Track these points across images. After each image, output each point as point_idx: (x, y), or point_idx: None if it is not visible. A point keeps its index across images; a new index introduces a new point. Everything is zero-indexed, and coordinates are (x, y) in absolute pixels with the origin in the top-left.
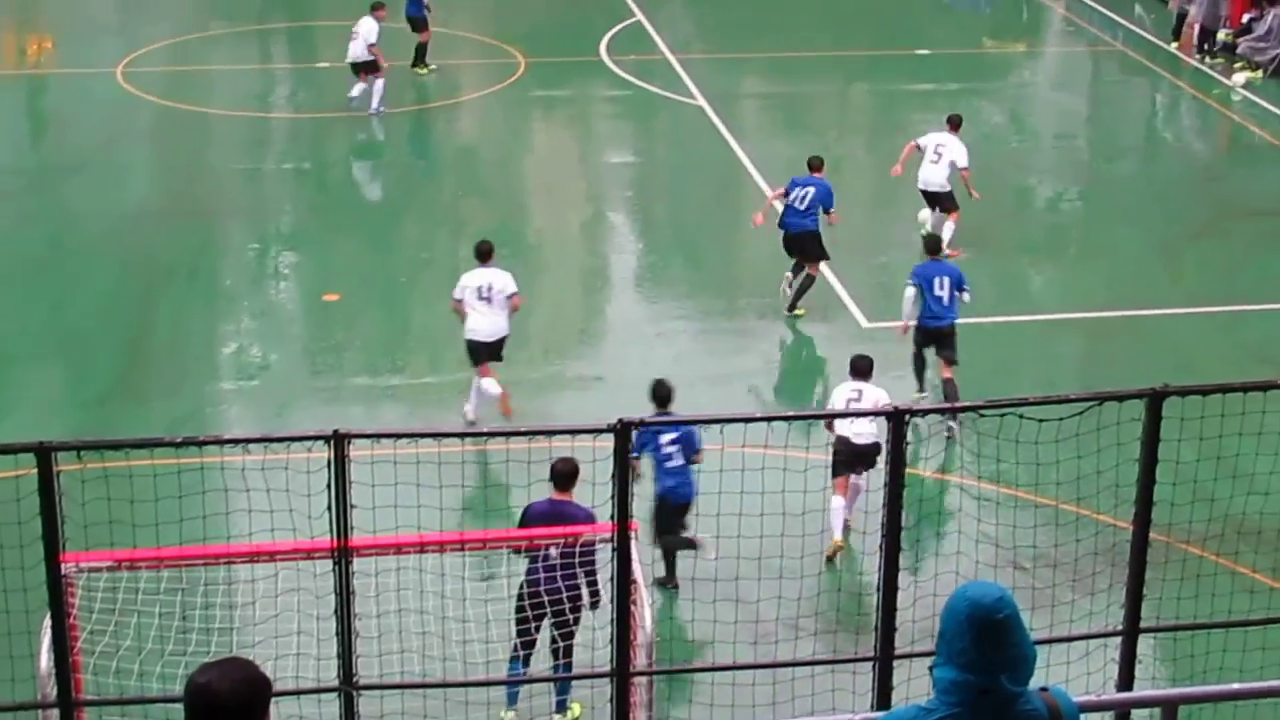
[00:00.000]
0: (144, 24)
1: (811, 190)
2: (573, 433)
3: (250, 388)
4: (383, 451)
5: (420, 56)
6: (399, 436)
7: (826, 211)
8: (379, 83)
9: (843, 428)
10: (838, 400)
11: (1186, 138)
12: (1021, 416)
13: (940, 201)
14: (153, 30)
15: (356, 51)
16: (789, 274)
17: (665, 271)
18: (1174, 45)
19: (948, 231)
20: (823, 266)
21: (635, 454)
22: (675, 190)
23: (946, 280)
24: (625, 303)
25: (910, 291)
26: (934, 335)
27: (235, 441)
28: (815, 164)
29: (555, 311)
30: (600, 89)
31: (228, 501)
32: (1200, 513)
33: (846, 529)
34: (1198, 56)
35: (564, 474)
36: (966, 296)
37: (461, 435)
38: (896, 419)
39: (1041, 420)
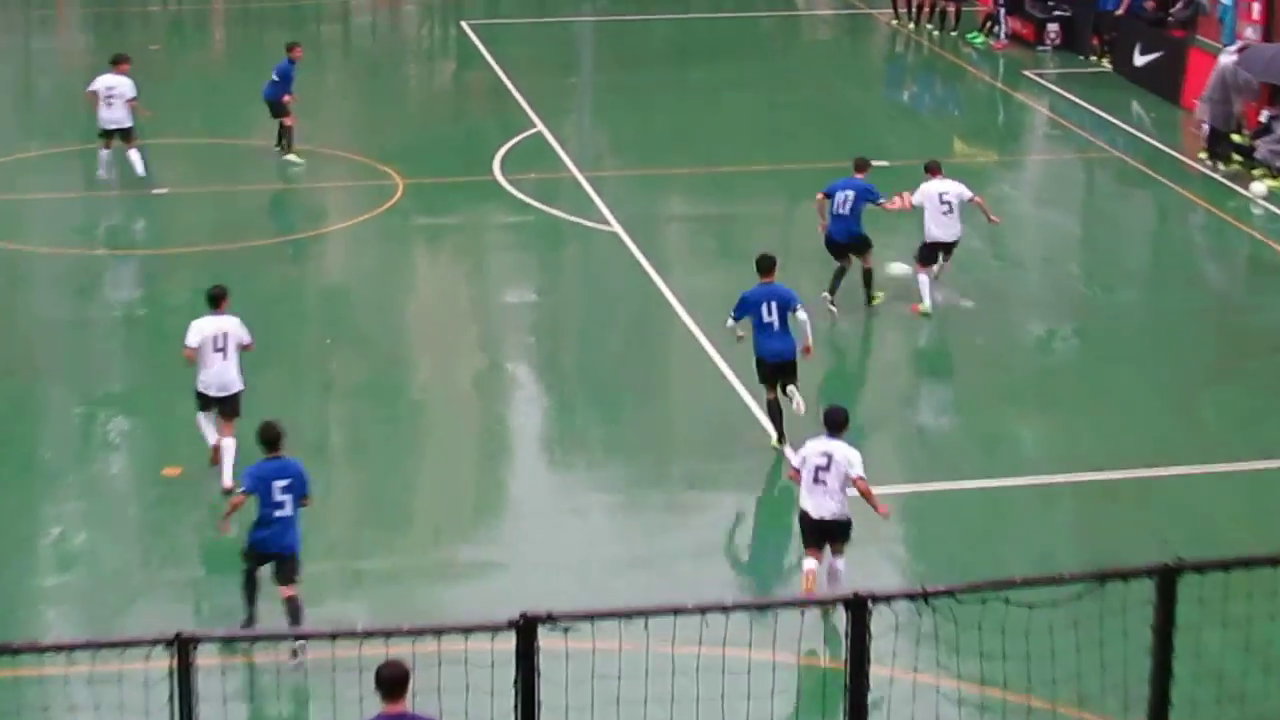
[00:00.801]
0: None
1: (852, 193)
2: (466, 631)
3: (75, 583)
4: (240, 659)
5: (284, 140)
6: (253, 639)
7: (877, 203)
8: (133, 152)
9: (803, 499)
10: (804, 464)
11: (1199, 260)
12: (1009, 601)
13: (946, 252)
14: None
15: (117, 116)
16: (828, 295)
17: (576, 433)
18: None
19: (931, 285)
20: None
21: None
22: (587, 334)
23: (774, 304)
24: (529, 472)
25: (728, 323)
26: (777, 370)
27: (58, 649)
28: (860, 164)
29: (445, 484)
30: (494, 214)
31: None
32: (1230, 713)
33: (828, 607)
34: (1209, 163)
35: (392, 680)
36: (801, 315)
37: (332, 636)
38: (856, 607)
39: (1033, 605)
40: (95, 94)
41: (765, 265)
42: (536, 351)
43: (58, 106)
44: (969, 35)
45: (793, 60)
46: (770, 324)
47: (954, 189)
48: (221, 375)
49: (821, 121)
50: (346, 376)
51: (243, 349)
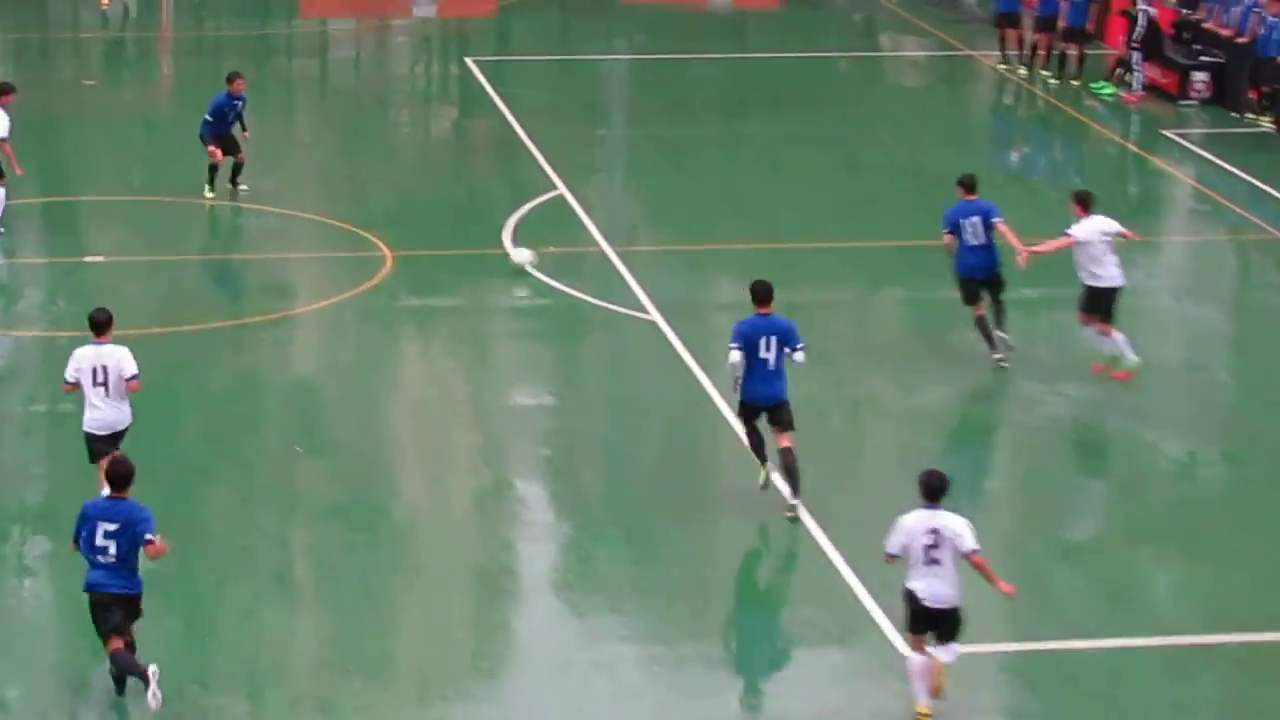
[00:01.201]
0: None
1: (978, 217)
2: None
3: None
4: None
5: (234, 174)
6: None
7: (990, 227)
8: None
9: (912, 579)
10: (911, 541)
11: None
12: None
13: (1110, 302)
14: None
15: None
16: (997, 355)
17: (599, 568)
18: None
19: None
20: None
21: None
22: (614, 445)
23: (773, 340)
24: (540, 616)
25: (734, 356)
26: (762, 410)
27: None
28: (968, 183)
29: (436, 628)
30: (502, 295)
31: None
32: None
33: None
34: None
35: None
36: (799, 357)
37: None
38: None
39: None
40: None
41: (763, 294)
42: (551, 466)
43: None
44: (1095, 85)
45: (875, 112)
46: (764, 361)
47: (1114, 226)
48: (108, 413)
49: (909, 189)
50: (317, 493)
51: (128, 384)
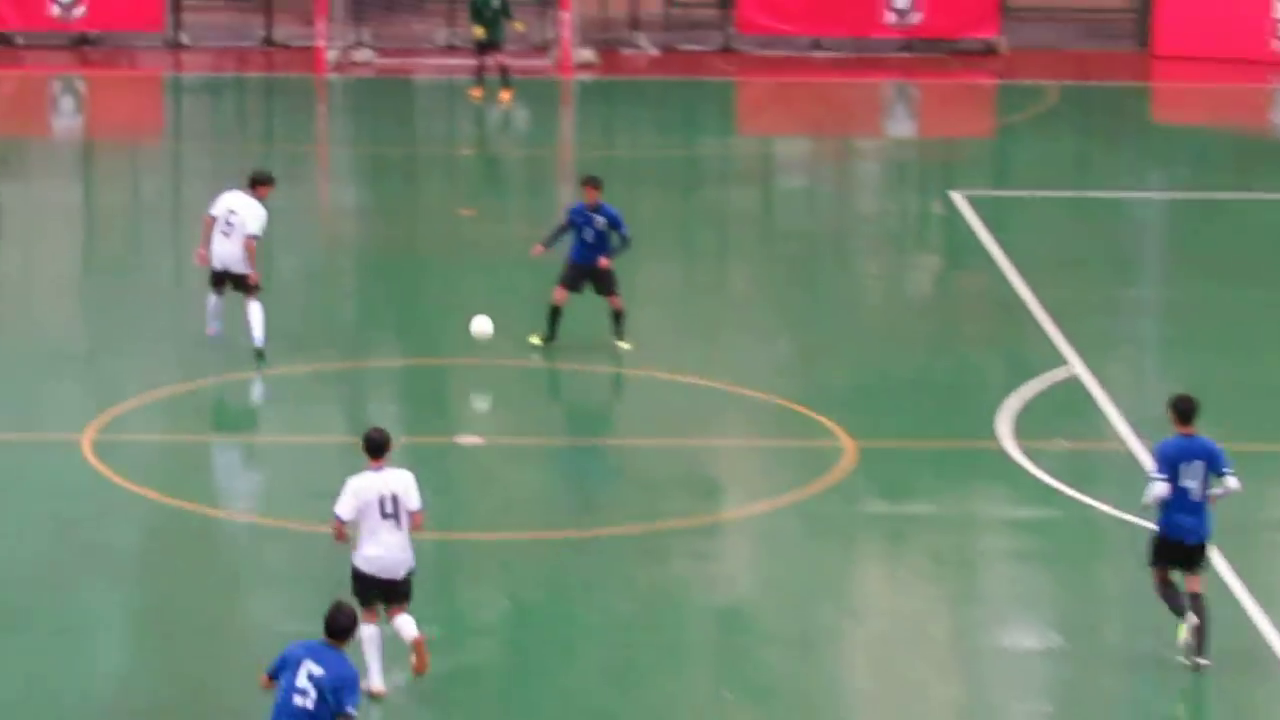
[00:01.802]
0: (131, 358)
1: None
2: None
3: None
4: None
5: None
6: None
7: None
8: (254, 306)
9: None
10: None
11: None
12: None
13: None
14: (146, 371)
15: (230, 252)
16: None
17: None
18: None
19: None
20: None
21: None
22: (1142, 705)
23: (1199, 465)
24: None
25: (1159, 488)
26: (1181, 552)
27: None
28: None
29: None
30: (997, 502)
31: None
32: None
33: None
34: None
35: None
36: (1232, 481)
37: None
38: None
39: None
40: (213, 219)
41: (1187, 411)
42: None
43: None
44: None
45: None
46: (1187, 491)
47: None
48: (402, 545)
49: None
50: None
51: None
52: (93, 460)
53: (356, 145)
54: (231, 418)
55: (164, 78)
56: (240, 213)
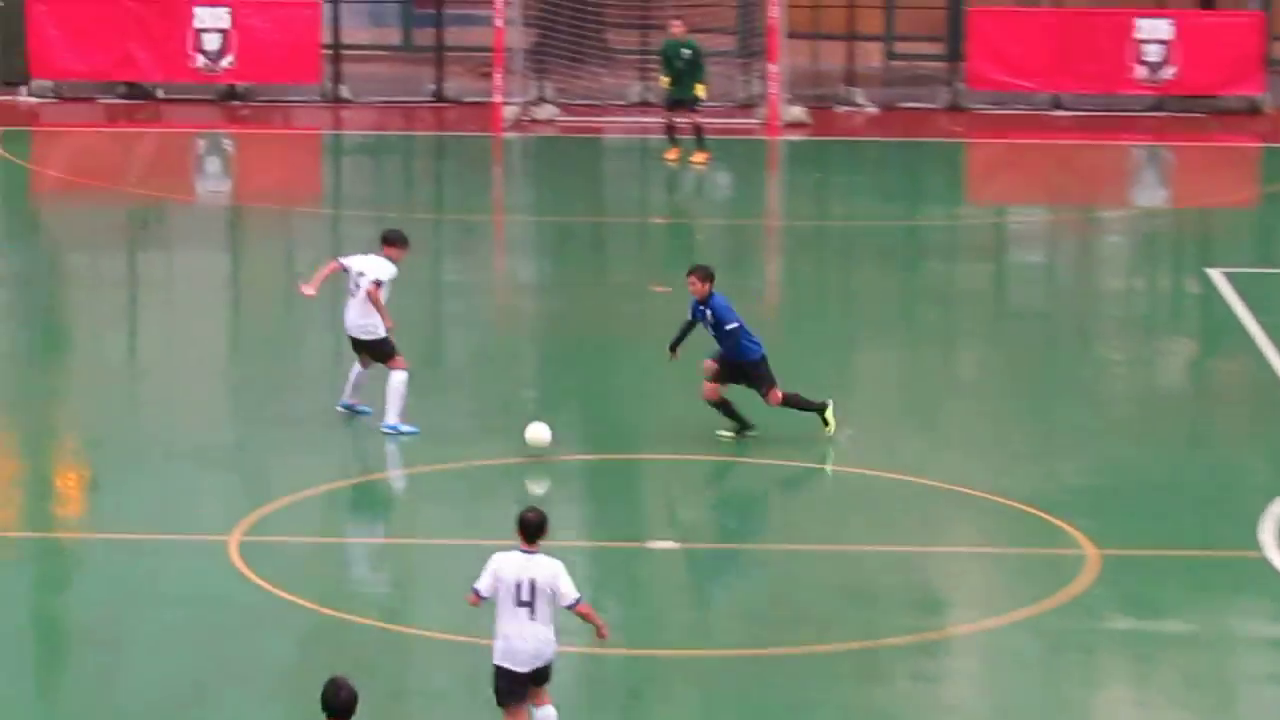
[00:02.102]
0: (283, 450)
1: None
2: None
3: None
4: None
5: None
6: None
7: None
8: (395, 380)
9: None
10: None
11: None
12: None
13: None
14: (300, 464)
15: (360, 319)
16: None
17: None
18: None
19: None
20: None
21: None
22: None
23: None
24: None
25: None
26: None
27: None
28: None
29: None
30: (1261, 620)
31: None
32: None
33: None
34: None
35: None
36: None
37: None
38: None
39: None
40: (340, 266)
41: None
42: None
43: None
44: None
45: None
46: None
47: None
48: (537, 636)
49: None
50: None
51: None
52: (239, 564)
53: (537, 212)
54: (393, 517)
55: (321, 136)
56: (368, 273)
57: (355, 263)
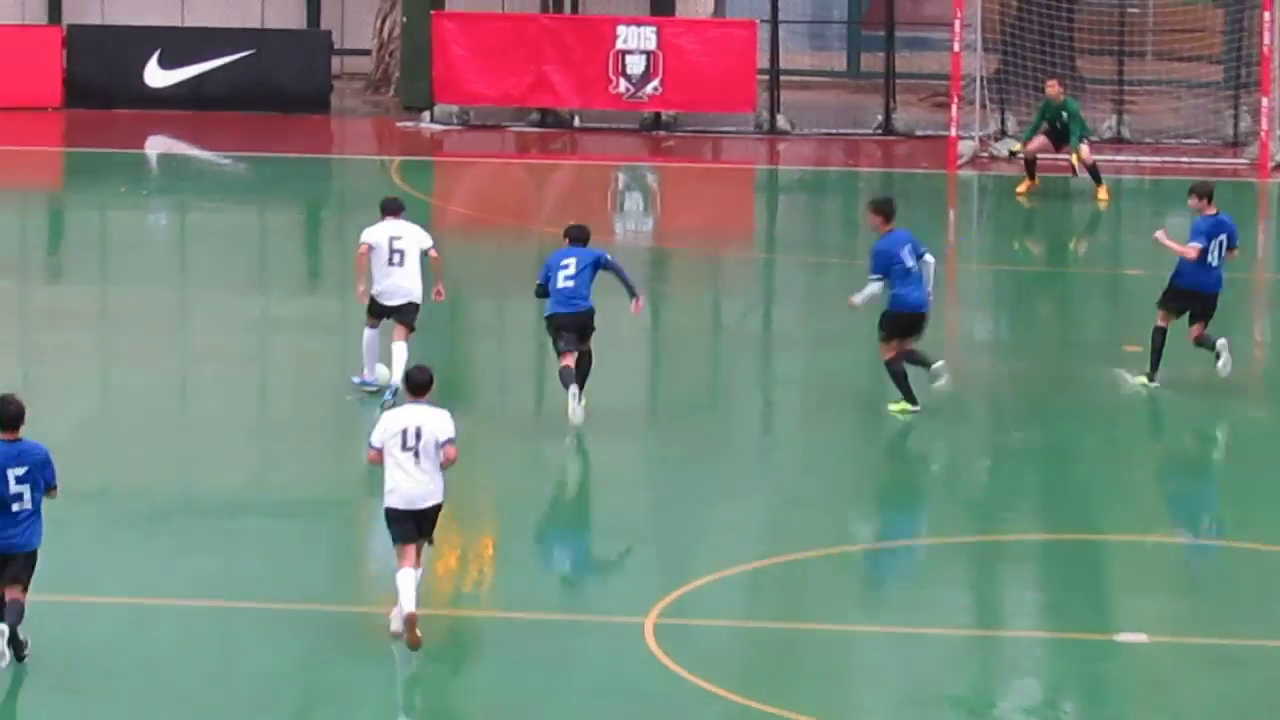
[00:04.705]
0: (704, 527)
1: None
2: None
3: None
4: None
5: None
6: None
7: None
8: (406, 347)
9: None
10: None
11: None
12: None
13: None
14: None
15: (409, 283)
16: None
17: None
18: None
19: None
20: None
21: None
22: None
23: (1223, 238)
24: None
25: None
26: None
27: None
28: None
29: None
30: None
31: None
32: None
33: None
34: None
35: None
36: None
37: None
38: None
39: None
40: (368, 248)
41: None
42: None
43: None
44: None
45: None
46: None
47: None
48: (420, 480)
49: None
50: None
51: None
52: (655, 648)
53: (994, 259)
54: (823, 600)
55: (755, 172)
56: (423, 242)
57: (385, 233)
